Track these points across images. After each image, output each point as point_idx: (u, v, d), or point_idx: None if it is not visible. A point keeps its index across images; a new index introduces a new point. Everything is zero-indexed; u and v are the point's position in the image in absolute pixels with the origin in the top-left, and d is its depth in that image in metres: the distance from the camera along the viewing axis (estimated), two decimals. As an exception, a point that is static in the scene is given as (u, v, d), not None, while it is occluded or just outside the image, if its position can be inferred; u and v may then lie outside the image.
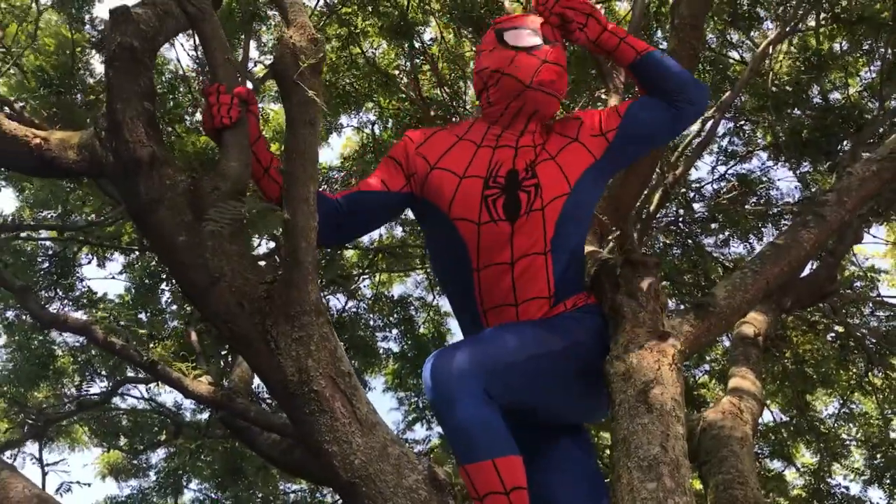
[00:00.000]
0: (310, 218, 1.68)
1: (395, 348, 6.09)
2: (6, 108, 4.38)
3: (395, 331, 5.88)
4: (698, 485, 2.88)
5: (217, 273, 1.74)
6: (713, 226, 5.82)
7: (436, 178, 2.03)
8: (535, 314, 2.01)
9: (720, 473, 2.41)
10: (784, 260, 2.43)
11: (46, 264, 5.82)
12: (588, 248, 2.54)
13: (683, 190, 6.27)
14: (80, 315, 5.23)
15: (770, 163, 5.95)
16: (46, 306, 5.87)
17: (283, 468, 3.90)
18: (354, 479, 1.56)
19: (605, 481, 2.03)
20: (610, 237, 2.55)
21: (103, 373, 6.17)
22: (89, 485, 4.85)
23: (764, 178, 5.97)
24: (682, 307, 5.97)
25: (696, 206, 6.38)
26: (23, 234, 5.07)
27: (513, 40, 2.07)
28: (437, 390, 1.75)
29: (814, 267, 3.86)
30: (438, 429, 6.31)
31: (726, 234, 5.89)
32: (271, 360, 1.67)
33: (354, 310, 5.95)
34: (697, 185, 6.42)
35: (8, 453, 5.54)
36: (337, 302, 5.97)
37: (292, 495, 6.74)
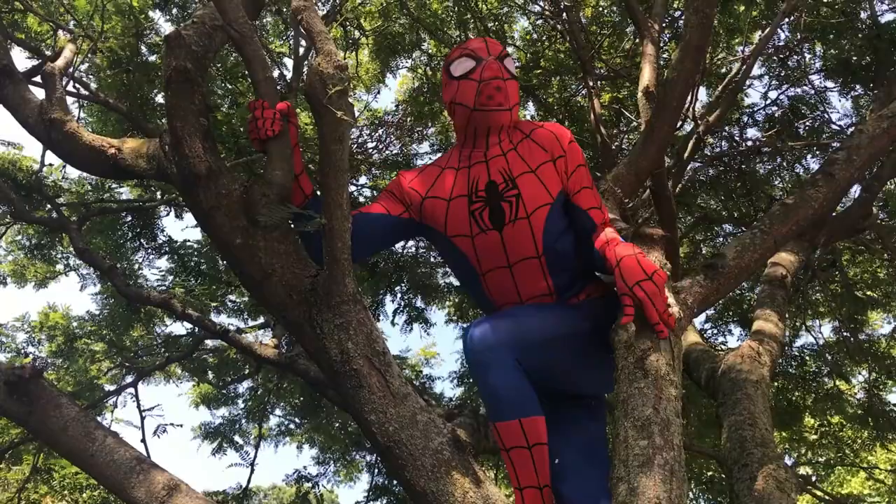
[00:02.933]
0: (344, 221, 1.95)
1: (455, 282, 6.40)
2: (82, 88, 4.75)
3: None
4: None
5: (269, 269, 2.04)
6: (763, 154, 5.83)
7: (429, 206, 2.27)
8: None
9: (733, 415, 2.64)
10: (792, 219, 2.60)
11: (129, 218, 6.26)
12: (608, 216, 2.75)
13: (737, 115, 6.29)
14: (160, 281, 5.64)
15: (826, 84, 5.91)
16: (131, 255, 6.39)
17: (348, 411, 4.29)
18: (389, 443, 1.87)
19: (606, 450, 2.24)
20: (629, 203, 2.73)
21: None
22: (181, 425, 5.38)
23: (817, 102, 5.93)
24: (738, 235, 6.08)
25: (750, 131, 6.40)
26: (106, 196, 5.48)
27: (456, 71, 2.28)
28: (475, 356, 2.04)
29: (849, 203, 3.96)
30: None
31: (776, 163, 5.91)
32: (317, 343, 1.98)
33: (413, 249, 6.27)
34: (750, 110, 6.40)
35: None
36: (398, 243, 6.29)
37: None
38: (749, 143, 6.20)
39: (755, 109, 6.37)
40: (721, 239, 6.69)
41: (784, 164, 6.02)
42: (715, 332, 6.92)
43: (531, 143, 2.24)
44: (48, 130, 2.42)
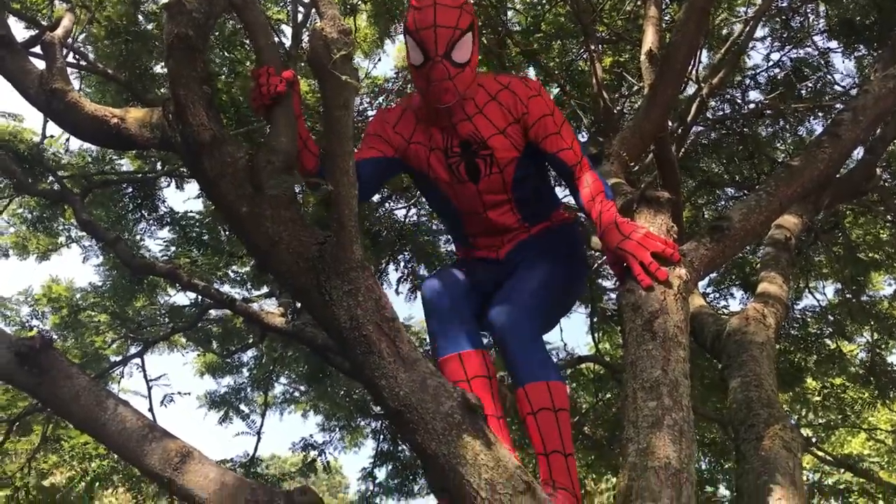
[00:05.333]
0: (350, 188, 1.94)
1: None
2: (82, 59, 4.70)
3: (446, 224, 6.14)
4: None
5: (276, 237, 2.04)
6: (765, 116, 5.80)
7: (412, 151, 2.41)
8: (514, 237, 2.50)
9: (739, 376, 2.66)
10: (798, 180, 2.59)
11: (130, 189, 6.25)
12: (614, 181, 2.74)
13: (739, 78, 6.25)
14: (164, 253, 5.65)
15: (829, 45, 5.86)
16: (133, 227, 6.38)
17: (354, 378, 4.33)
18: (400, 407, 1.87)
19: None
20: (635, 167, 2.72)
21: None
22: (188, 393, 5.42)
23: (820, 63, 5.88)
24: (741, 198, 6.08)
25: (752, 93, 6.36)
26: (107, 168, 5.46)
27: (408, 56, 2.33)
28: (500, 330, 2.25)
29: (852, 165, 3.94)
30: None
31: (778, 126, 5.88)
32: (327, 310, 1.98)
33: (415, 218, 6.26)
34: (753, 72, 6.36)
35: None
36: (400, 211, 6.28)
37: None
38: (751, 106, 6.18)
39: (757, 71, 6.33)
40: (723, 203, 6.68)
41: (787, 126, 6.00)
42: (717, 296, 6.94)
43: (497, 106, 2.35)
44: (49, 101, 2.39)
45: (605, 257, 2.93)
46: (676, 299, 2.06)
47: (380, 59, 6.82)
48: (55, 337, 6.63)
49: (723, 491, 7.52)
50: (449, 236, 6.39)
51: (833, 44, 5.81)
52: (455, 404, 1.88)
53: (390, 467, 7.30)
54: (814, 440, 8.00)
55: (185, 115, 2.09)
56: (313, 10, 5.11)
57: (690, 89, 5.15)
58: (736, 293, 6.92)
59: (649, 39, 3.76)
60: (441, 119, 2.35)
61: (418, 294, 6.38)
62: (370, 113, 6.49)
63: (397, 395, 1.89)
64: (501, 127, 2.34)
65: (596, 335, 6.89)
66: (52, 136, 5.26)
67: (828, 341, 6.75)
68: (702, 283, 6.60)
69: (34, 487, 6.21)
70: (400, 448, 7.28)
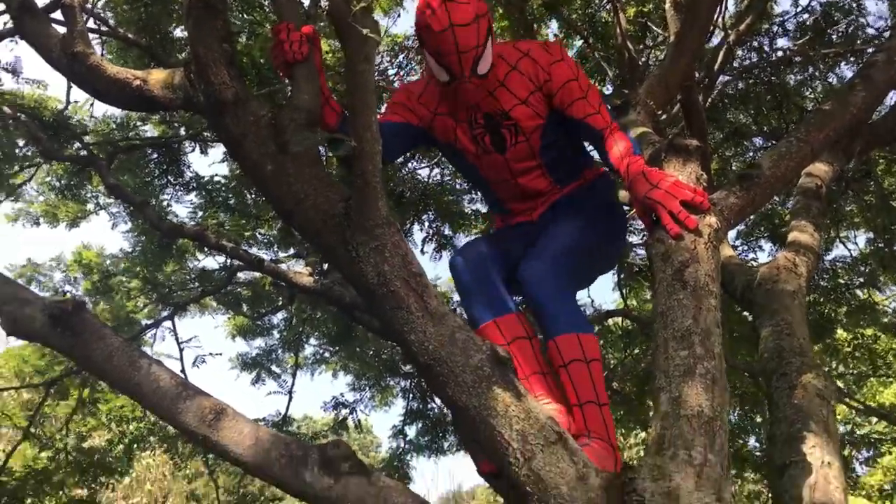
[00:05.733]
0: (374, 143, 1.92)
1: (482, 209, 6.37)
2: (102, 25, 4.70)
3: (479, 193, 6.13)
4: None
5: (301, 195, 2.04)
6: (794, 64, 5.67)
7: (439, 123, 2.40)
8: (547, 199, 2.49)
9: (770, 325, 2.63)
10: (830, 125, 2.54)
11: (156, 155, 6.27)
12: (641, 130, 2.70)
13: (766, 26, 6.10)
14: (191, 217, 5.68)
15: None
16: (159, 193, 6.42)
17: (382, 336, 4.36)
18: (430, 361, 1.88)
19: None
20: (662, 115, 2.68)
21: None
22: (220, 354, 5.50)
23: (851, 6, 5.72)
24: (770, 148, 5.97)
25: (780, 41, 6.22)
26: (132, 135, 5.48)
27: (433, 71, 2.32)
28: (531, 286, 2.24)
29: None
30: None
31: (807, 73, 5.75)
32: (354, 267, 1.98)
33: (439, 177, 6.23)
34: (781, 18, 6.20)
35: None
36: (423, 171, 6.26)
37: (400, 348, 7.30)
38: (779, 54, 6.04)
39: (786, 18, 6.16)
40: (751, 154, 6.57)
41: (816, 73, 5.85)
42: (745, 248, 6.86)
43: (518, 75, 2.33)
44: (71, 64, 2.40)
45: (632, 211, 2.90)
46: (707, 248, 2.03)
47: (399, 16, 6.73)
48: (88, 301, 6.74)
49: (753, 443, 7.53)
50: (473, 195, 6.38)
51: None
52: (484, 357, 1.88)
53: (420, 425, 7.37)
54: (845, 391, 7.95)
55: (206, 74, 2.09)
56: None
57: (717, 38, 5.04)
58: (765, 245, 6.84)
59: (674, -14, 3.67)
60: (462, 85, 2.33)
61: (444, 254, 6.40)
62: (391, 72, 6.44)
63: (426, 349, 1.89)
64: (523, 97, 2.33)
65: (623, 291, 6.86)
66: (76, 102, 5.28)
67: (859, 292, 6.66)
68: (730, 236, 6.54)
69: (74, 449, 6.37)
70: (429, 406, 7.35)
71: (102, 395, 6.58)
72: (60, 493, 6.26)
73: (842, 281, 6.63)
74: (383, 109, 2.57)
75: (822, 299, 6.58)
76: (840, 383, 8.14)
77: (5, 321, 2.11)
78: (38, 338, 2.13)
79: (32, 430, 6.23)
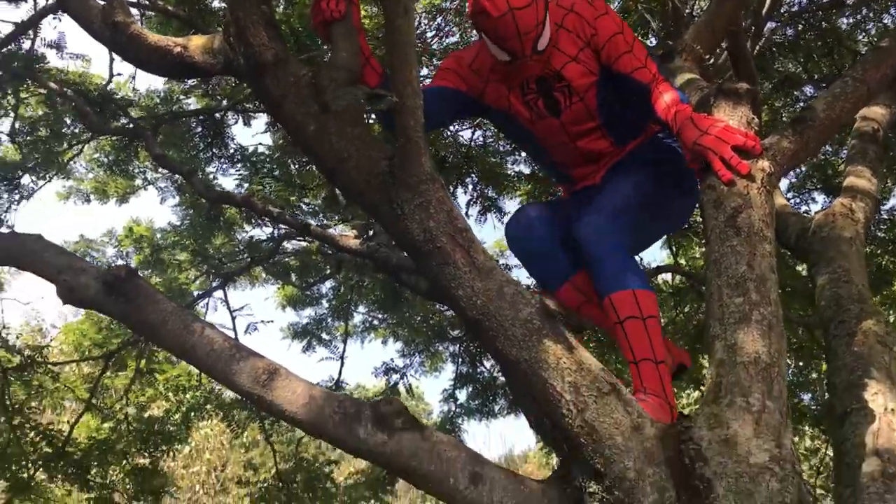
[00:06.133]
0: (415, 98, 1.90)
1: (526, 170, 6.32)
2: (141, -2, 4.73)
3: (523, 154, 6.07)
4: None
5: (344, 154, 2.03)
6: (846, 7, 5.46)
7: (491, 89, 2.35)
8: (609, 161, 2.40)
9: (826, 273, 2.56)
10: (887, 62, 2.45)
11: (200, 129, 6.32)
12: (688, 76, 2.63)
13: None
14: (237, 188, 5.74)
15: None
16: (205, 166, 6.49)
17: (429, 298, 4.37)
18: (479, 315, 1.87)
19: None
20: (709, 60, 2.60)
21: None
22: (272, 321, 5.59)
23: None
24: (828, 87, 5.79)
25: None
26: (175, 108, 5.54)
27: (492, 51, 2.28)
28: (589, 243, 2.19)
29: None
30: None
31: (860, 15, 5.54)
32: (399, 224, 1.97)
33: (481, 140, 6.18)
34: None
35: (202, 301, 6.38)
36: (465, 133, 6.20)
37: (448, 313, 7.33)
38: (830, -3, 5.82)
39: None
40: (802, 104, 6.37)
41: (870, 16, 5.63)
42: (798, 200, 6.69)
43: (565, 33, 2.28)
44: (113, 35, 2.41)
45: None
46: (760, 192, 1.98)
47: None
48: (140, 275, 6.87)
49: (809, 399, 7.42)
50: (517, 156, 6.32)
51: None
52: (533, 310, 1.86)
53: (470, 389, 7.41)
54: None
55: (245, 36, 2.08)
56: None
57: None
58: (818, 197, 6.66)
59: (719, -71, 3.55)
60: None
61: (489, 216, 6.36)
62: (429, 35, 6.38)
63: (475, 304, 1.88)
64: (573, 54, 2.28)
65: (672, 248, 6.76)
66: (118, 75, 5.34)
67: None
68: (781, 187, 6.38)
69: (135, 419, 6.54)
70: (479, 370, 7.37)
71: (159, 366, 6.73)
72: (124, 462, 6.45)
73: (900, 232, 6.44)
74: (425, 75, 2.54)
75: (879, 251, 6.39)
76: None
77: (61, 290, 2.15)
78: (94, 305, 2.17)
79: (94, 401, 6.41)
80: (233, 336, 5.44)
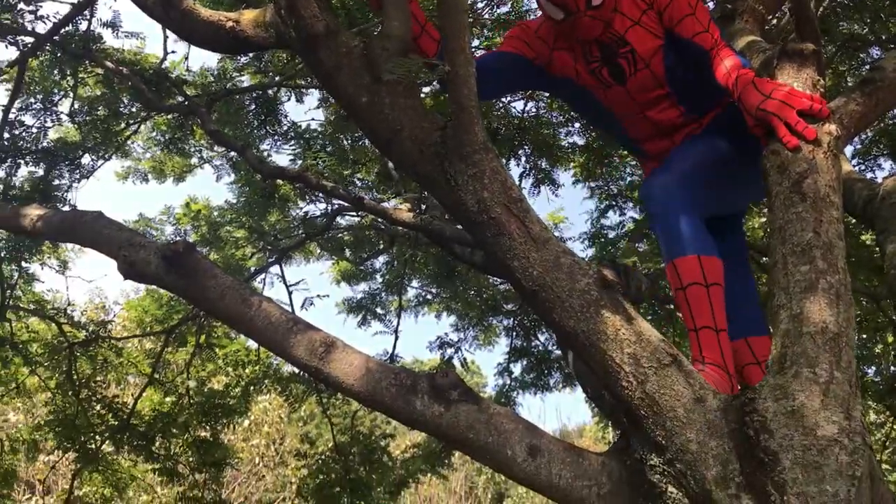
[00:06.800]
0: (468, 66, 1.87)
1: (580, 141, 6.23)
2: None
3: (577, 125, 5.99)
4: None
5: (397, 125, 2.01)
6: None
7: (557, 57, 2.31)
8: (680, 132, 2.30)
9: (896, 242, 2.47)
10: (963, 19, 2.32)
11: (253, 106, 6.38)
12: (749, 38, 2.54)
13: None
14: (291, 165, 5.79)
15: None
16: (259, 144, 6.55)
17: (483, 271, 4.35)
18: (535, 286, 1.84)
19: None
20: (772, 21, 2.50)
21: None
22: (328, 296, 5.65)
23: None
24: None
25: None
26: (229, 86, 5.59)
27: (547, 10, 2.24)
28: (656, 203, 2.13)
29: None
30: (632, 214, 6.50)
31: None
32: (453, 195, 1.95)
33: (534, 111, 6.10)
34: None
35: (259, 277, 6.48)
36: (518, 104, 6.13)
37: (501, 287, 7.32)
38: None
39: (904, -85, 5.68)
40: (868, 66, 6.14)
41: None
42: (864, 167, 6.48)
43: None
44: (166, 11, 2.43)
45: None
46: (827, 157, 1.90)
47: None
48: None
49: (873, 374, 7.23)
50: (570, 127, 6.23)
51: None
52: (591, 281, 1.83)
53: (525, 363, 7.40)
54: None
55: (296, 8, 2.07)
56: None
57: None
58: (884, 164, 6.44)
59: None
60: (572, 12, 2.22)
61: (542, 188, 6.30)
62: (479, 5, 6.31)
63: (531, 275, 1.85)
64: (636, 17, 2.21)
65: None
66: (172, 52, 5.42)
67: None
68: (846, 152, 6.19)
69: (196, 392, 6.70)
70: (533, 344, 7.35)
71: (218, 341, 6.87)
72: (186, 434, 6.62)
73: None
74: (476, 46, 2.51)
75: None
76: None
77: (122, 265, 2.19)
78: (154, 280, 2.21)
79: (156, 376, 6.58)
80: (290, 310, 5.53)
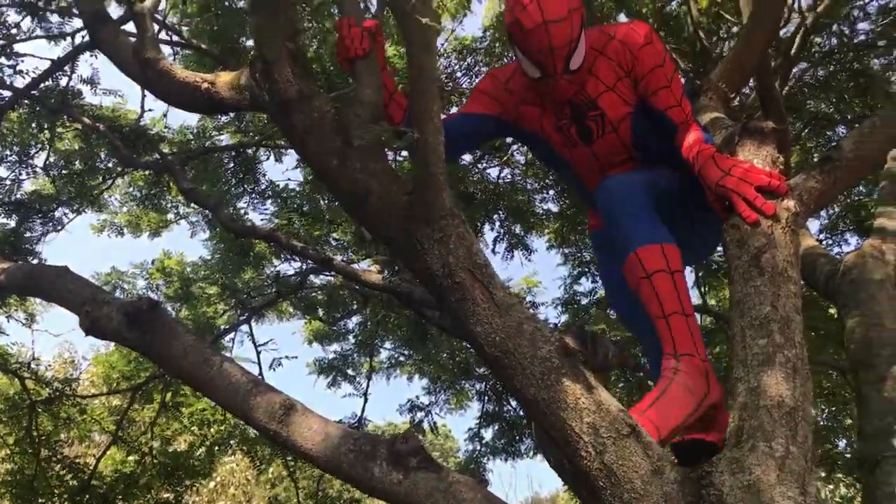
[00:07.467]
0: (437, 134, 1.90)
1: (555, 208, 6.31)
2: (175, 35, 4.84)
3: (551, 192, 6.08)
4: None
5: (366, 189, 2.03)
6: (877, 48, 5.43)
7: (525, 111, 2.31)
8: None
9: (856, 316, 2.50)
10: (917, 103, 2.40)
11: (232, 164, 6.42)
12: (713, 115, 2.61)
13: (848, 9, 5.86)
14: (266, 223, 5.81)
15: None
16: (236, 202, 6.57)
17: (452, 335, 4.36)
18: (497, 353, 1.84)
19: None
20: (734, 98, 2.58)
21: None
22: (296, 357, 5.61)
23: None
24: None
25: (861, 25, 5.96)
26: (207, 143, 5.63)
27: (524, 67, 2.23)
28: (613, 197, 2.13)
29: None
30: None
31: (892, 56, 5.50)
32: (419, 259, 1.96)
33: (509, 177, 6.19)
34: (862, 2, 5.95)
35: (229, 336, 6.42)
36: (493, 171, 6.22)
37: (474, 350, 7.27)
38: (861, 38, 5.79)
39: (867, 2, 5.92)
40: (834, 143, 6.30)
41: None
42: (830, 242, 6.60)
43: (605, 60, 2.23)
44: (144, 70, 2.46)
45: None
46: (785, 232, 1.94)
47: (465, 16, 6.73)
48: (169, 308, 6.94)
49: (843, 445, 7.23)
50: (545, 194, 6.33)
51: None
52: (553, 349, 1.83)
53: (496, 428, 7.33)
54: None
55: (271, 72, 2.10)
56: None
57: (794, 24, 4.86)
58: (850, 239, 6.56)
59: (747, -30, 3.55)
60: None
61: (516, 253, 6.35)
62: (459, 74, 6.44)
63: (493, 340, 1.86)
64: (611, 83, 2.24)
65: (702, 290, 6.69)
66: (150, 111, 5.47)
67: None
68: (813, 229, 6.30)
69: (159, 452, 6.56)
70: (505, 409, 7.30)
71: (185, 399, 6.76)
72: (148, 496, 6.45)
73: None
74: (454, 110, 2.54)
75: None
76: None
77: (84, 320, 2.18)
78: (115, 336, 2.19)
79: (120, 434, 6.44)
80: (258, 371, 5.46)
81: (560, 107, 2.28)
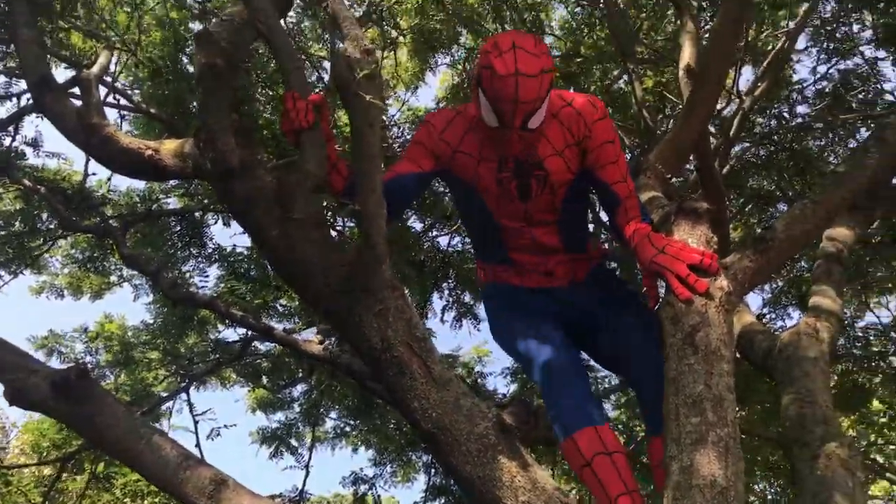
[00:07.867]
0: (379, 206, 1.92)
1: (504, 278, 6.34)
2: (124, 99, 4.84)
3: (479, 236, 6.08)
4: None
5: (305, 259, 2.03)
6: (815, 130, 5.66)
7: (459, 160, 2.31)
8: (554, 257, 2.42)
9: (791, 393, 2.54)
10: (845, 187, 2.50)
11: (178, 228, 6.34)
12: (651, 194, 2.68)
13: (786, 92, 6.12)
14: (209, 290, 5.74)
15: (878, 54, 5.71)
16: (182, 265, 6.47)
17: (392, 405, 4.32)
18: (433, 429, 1.83)
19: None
20: (670, 178, 2.66)
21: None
22: (235, 425, 5.47)
23: (869, 73, 5.73)
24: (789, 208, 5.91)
25: (799, 108, 6.22)
26: (154, 207, 5.57)
27: (482, 113, 2.23)
28: (548, 384, 2.15)
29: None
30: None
31: (828, 138, 5.74)
32: (357, 332, 1.95)
33: (459, 246, 6.23)
34: (799, 86, 6.22)
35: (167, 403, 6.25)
36: (443, 239, 6.26)
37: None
38: (799, 120, 6.04)
39: (804, 85, 6.18)
40: (768, 225, 6.49)
41: (837, 139, 5.83)
42: (773, 316, 6.73)
43: (558, 125, 2.25)
44: (87, 136, 2.44)
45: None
46: (718, 311, 1.98)
47: (417, 87, 6.85)
48: (108, 372, 6.75)
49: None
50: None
51: (881, 53, 5.66)
52: (490, 425, 1.83)
53: (443, 501, 7.19)
54: (884, 465, 7.65)
55: (214, 142, 2.11)
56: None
57: (734, 106, 5.06)
58: (793, 313, 6.70)
59: (687, 54, 3.70)
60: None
61: (464, 322, 6.34)
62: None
63: (430, 416, 1.85)
64: (560, 148, 2.26)
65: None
66: (94, 175, 5.41)
67: (894, 360, 6.47)
68: (756, 304, 6.43)
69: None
70: (453, 483, 7.18)
71: (118, 470, 6.51)
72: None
73: (875, 349, 6.45)
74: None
75: (855, 368, 6.39)
76: (878, 457, 7.85)
77: (7, 390, 2.10)
78: (41, 407, 2.12)
79: (48, 505, 6.16)
80: (195, 440, 5.29)
81: (504, 160, 2.27)
